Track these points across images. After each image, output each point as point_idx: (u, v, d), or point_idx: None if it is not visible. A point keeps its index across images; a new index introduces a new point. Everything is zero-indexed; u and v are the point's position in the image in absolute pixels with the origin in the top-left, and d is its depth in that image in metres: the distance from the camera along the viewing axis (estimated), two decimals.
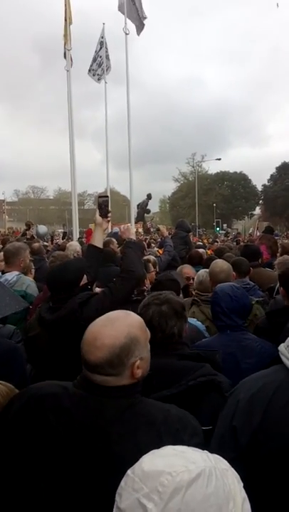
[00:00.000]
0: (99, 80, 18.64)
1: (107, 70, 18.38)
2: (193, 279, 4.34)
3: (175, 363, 1.97)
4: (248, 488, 0.96)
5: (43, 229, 13.14)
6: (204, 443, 1.41)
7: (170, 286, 3.18)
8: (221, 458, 0.98)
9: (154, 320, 2.06)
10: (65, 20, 12.41)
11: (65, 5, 12.35)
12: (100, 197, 3.28)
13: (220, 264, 3.76)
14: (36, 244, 7.14)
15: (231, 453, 1.36)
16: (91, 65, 18.50)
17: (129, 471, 0.94)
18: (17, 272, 4.02)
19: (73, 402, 1.38)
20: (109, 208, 3.23)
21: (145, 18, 15.62)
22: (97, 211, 3.17)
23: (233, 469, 0.96)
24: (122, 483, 0.94)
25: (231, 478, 0.93)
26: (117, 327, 1.42)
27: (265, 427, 1.39)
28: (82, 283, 2.67)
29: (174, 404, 1.49)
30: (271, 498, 1.36)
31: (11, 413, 1.43)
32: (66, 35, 12.55)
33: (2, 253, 4.69)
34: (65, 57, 12.90)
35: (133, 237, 3.10)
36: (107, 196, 3.35)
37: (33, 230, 12.63)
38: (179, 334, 2.08)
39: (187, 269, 4.76)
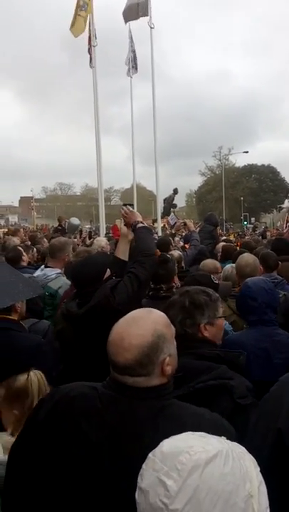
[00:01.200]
0: (131, 76, 18.57)
1: (135, 64, 18.29)
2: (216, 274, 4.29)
3: (191, 363, 1.89)
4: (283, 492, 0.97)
5: (76, 220, 13.07)
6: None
7: (204, 282, 3.15)
8: (238, 444, 1.01)
9: (172, 316, 2.01)
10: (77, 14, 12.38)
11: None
12: (124, 205, 3.15)
13: (246, 257, 3.72)
14: (73, 240, 7.23)
15: (274, 453, 1.33)
16: (126, 62, 18.45)
17: (150, 454, 1.00)
18: (59, 270, 4.08)
19: (104, 404, 1.35)
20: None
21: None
22: (122, 221, 3.07)
23: (250, 455, 1.00)
24: (144, 465, 0.99)
25: (248, 461, 0.97)
26: (143, 325, 1.39)
27: None
28: (105, 276, 2.67)
29: (207, 409, 1.45)
30: None
31: (40, 418, 1.42)
32: (90, 31, 12.56)
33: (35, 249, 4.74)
34: (89, 53, 12.92)
35: (139, 219, 3.03)
36: (132, 204, 3.24)
37: (65, 224, 12.74)
38: (198, 331, 2.00)
39: (211, 264, 4.70)
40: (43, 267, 4.26)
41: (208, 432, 1.30)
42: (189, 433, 1.03)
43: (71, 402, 1.39)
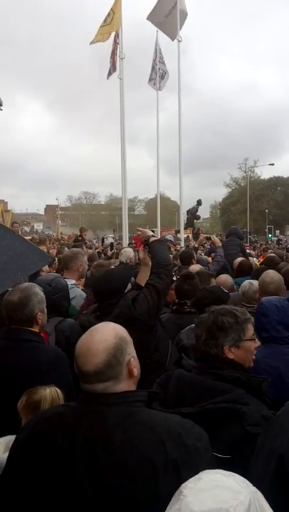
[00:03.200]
0: (159, 89, 18.75)
1: (164, 76, 18.44)
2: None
3: (208, 382, 1.88)
4: None
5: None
6: (210, 448, 1.40)
7: (216, 292, 3.16)
8: (246, 480, 0.97)
9: (197, 334, 2.03)
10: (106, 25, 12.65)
11: (113, 12, 12.60)
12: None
13: (271, 274, 3.66)
14: (90, 251, 7.28)
15: (274, 479, 1.32)
16: (150, 75, 18.67)
17: None
18: (73, 281, 4.07)
19: (76, 417, 1.41)
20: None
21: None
22: (146, 251, 3.06)
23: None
24: None
25: (261, 496, 0.93)
26: (104, 332, 1.49)
27: None
28: (126, 290, 2.71)
29: (178, 415, 1.48)
30: None
31: (21, 438, 1.48)
32: (116, 43, 12.81)
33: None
34: (112, 64, 13.15)
35: (150, 233, 3.11)
36: (153, 231, 3.28)
37: (86, 235, 12.88)
38: (222, 353, 1.96)
39: (223, 279, 4.71)
40: None
41: (177, 431, 1.35)
42: (205, 479, 0.94)
43: (48, 421, 1.46)
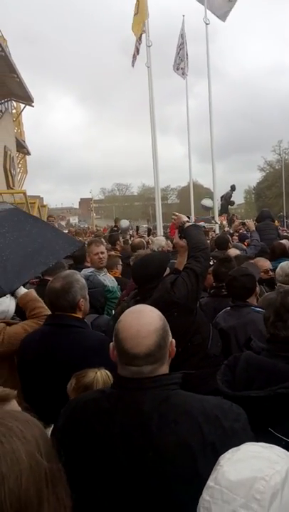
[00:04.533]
0: (183, 74, 18.51)
1: (183, 59, 18.16)
2: (271, 271, 4.20)
3: (279, 365, 1.83)
4: None
5: (125, 223, 13.58)
6: (249, 429, 1.38)
7: (245, 282, 3.15)
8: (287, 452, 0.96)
9: (266, 316, 1.97)
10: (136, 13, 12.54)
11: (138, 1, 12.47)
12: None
13: None
14: (137, 240, 7.32)
15: None
16: (175, 61, 18.45)
17: (211, 483, 0.89)
18: (92, 269, 4.18)
19: (111, 403, 1.41)
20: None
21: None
22: (177, 234, 3.14)
23: None
24: (206, 496, 0.89)
25: None
26: (149, 314, 1.47)
27: None
28: (164, 274, 2.74)
29: (219, 397, 1.48)
30: None
31: (59, 424, 1.51)
32: (141, 30, 12.68)
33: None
34: (137, 52, 13.05)
35: (185, 219, 3.13)
36: (189, 216, 3.30)
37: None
38: None
39: (262, 262, 4.65)
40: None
41: (214, 413, 1.33)
42: (244, 450, 0.94)
43: (84, 407, 1.47)
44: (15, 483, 0.73)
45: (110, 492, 1.33)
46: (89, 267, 4.54)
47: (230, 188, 22.95)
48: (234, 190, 23.03)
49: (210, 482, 0.90)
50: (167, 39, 19.98)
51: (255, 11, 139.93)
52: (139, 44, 13.15)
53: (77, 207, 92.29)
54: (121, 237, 8.07)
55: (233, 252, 4.98)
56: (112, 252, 6.05)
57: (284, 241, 6.50)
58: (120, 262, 5.32)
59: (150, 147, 12.47)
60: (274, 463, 0.87)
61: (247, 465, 0.88)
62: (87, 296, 2.62)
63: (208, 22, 15.48)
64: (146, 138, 13.17)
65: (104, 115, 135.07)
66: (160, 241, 6.45)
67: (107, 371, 2.04)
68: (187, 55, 18.34)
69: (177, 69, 18.40)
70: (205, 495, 0.89)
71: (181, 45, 18.17)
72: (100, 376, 2.02)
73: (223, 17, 15.38)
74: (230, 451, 0.94)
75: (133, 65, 13.55)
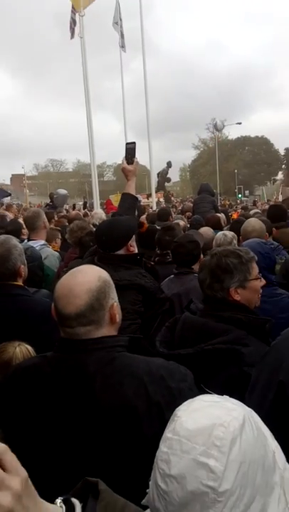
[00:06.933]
0: (122, 47, 18.04)
1: (123, 35, 17.79)
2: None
3: (209, 324, 1.84)
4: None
5: (62, 191, 12.86)
6: (196, 389, 1.39)
7: (191, 248, 3.21)
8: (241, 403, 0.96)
9: (201, 279, 1.97)
10: None
11: None
12: (127, 144, 3.16)
13: (252, 222, 3.62)
14: (73, 212, 7.19)
15: (274, 406, 1.34)
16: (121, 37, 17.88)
17: (169, 434, 0.86)
18: (42, 242, 4.07)
19: (53, 367, 1.38)
20: (136, 155, 3.13)
21: None
22: (124, 159, 3.07)
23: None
24: (164, 448, 0.85)
25: (256, 416, 0.92)
26: (88, 273, 1.43)
27: None
28: (132, 250, 2.52)
29: (161, 358, 1.48)
30: None
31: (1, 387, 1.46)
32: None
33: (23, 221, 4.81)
34: (74, 24, 12.57)
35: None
36: (134, 142, 3.19)
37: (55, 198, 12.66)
38: (228, 295, 1.89)
39: (206, 230, 4.77)
40: (26, 241, 4.12)
41: (159, 373, 1.33)
42: (199, 400, 0.93)
43: (25, 372, 1.44)
44: None
45: (54, 456, 1.31)
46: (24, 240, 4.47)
47: (166, 165, 23.21)
48: (170, 166, 23.37)
49: (167, 434, 0.87)
50: (104, 11, 19.31)
51: None
52: (74, 14, 12.62)
53: (9, 183, 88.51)
54: (55, 214, 7.87)
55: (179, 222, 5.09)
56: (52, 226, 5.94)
57: (220, 214, 6.77)
58: (60, 236, 5.25)
59: (85, 122, 12.16)
60: (231, 410, 0.88)
61: (204, 414, 0.87)
62: (25, 261, 2.51)
63: None
64: (81, 113, 12.80)
65: (38, 88, 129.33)
66: (100, 214, 6.43)
67: (27, 346, 1.86)
68: (122, 27, 17.95)
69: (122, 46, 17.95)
70: (163, 447, 0.86)
71: (118, 18, 17.73)
72: (20, 352, 1.82)
73: None
74: (185, 403, 0.93)
75: (73, 37, 12.98)
